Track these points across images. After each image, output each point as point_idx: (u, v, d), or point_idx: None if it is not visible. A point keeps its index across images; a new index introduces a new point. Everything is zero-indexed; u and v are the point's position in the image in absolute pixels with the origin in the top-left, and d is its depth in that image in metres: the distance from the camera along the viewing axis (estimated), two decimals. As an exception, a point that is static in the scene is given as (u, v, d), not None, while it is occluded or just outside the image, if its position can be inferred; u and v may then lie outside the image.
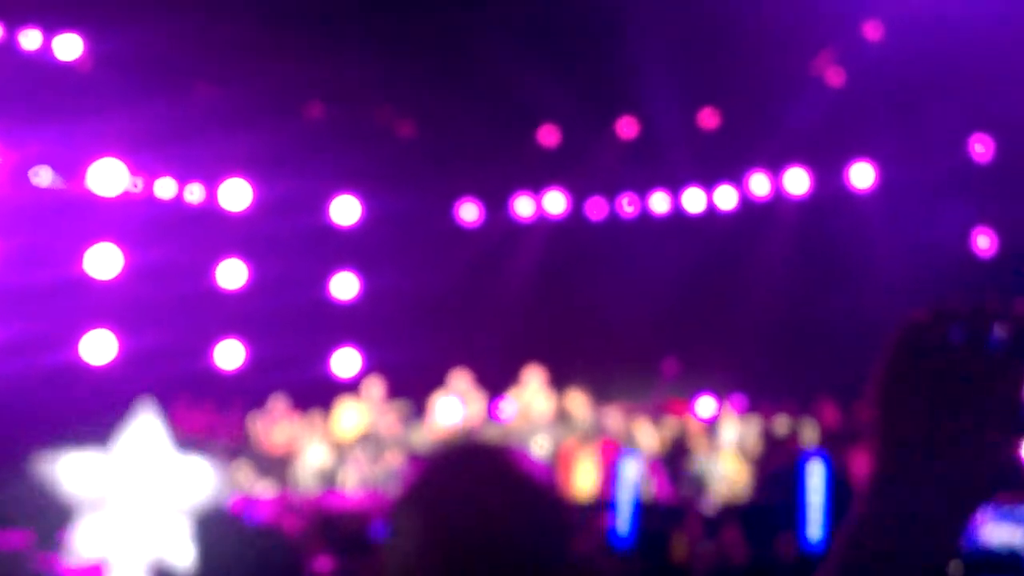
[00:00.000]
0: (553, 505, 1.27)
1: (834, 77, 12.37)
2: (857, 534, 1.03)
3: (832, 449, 10.10)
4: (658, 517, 9.60)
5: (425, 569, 1.22)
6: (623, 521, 8.04)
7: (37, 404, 10.17)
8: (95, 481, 2.85)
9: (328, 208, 13.28)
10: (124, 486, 2.83)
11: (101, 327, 11.53)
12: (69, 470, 2.83)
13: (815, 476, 8.36)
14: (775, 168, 12.94)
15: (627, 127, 13.39)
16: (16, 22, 10.64)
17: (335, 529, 8.83)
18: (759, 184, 13.04)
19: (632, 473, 7.03)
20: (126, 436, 2.88)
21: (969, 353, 1.01)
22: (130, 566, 2.81)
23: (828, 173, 12.71)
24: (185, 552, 2.84)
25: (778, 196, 13.01)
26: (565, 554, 1.25)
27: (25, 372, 10.51)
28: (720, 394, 11.97)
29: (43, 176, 11.11)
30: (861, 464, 9.06)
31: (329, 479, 10.74)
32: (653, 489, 10.44)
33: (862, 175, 12.54)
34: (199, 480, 2.86)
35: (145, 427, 2.90)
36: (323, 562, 7.39)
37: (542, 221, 13.91)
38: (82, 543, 2.91)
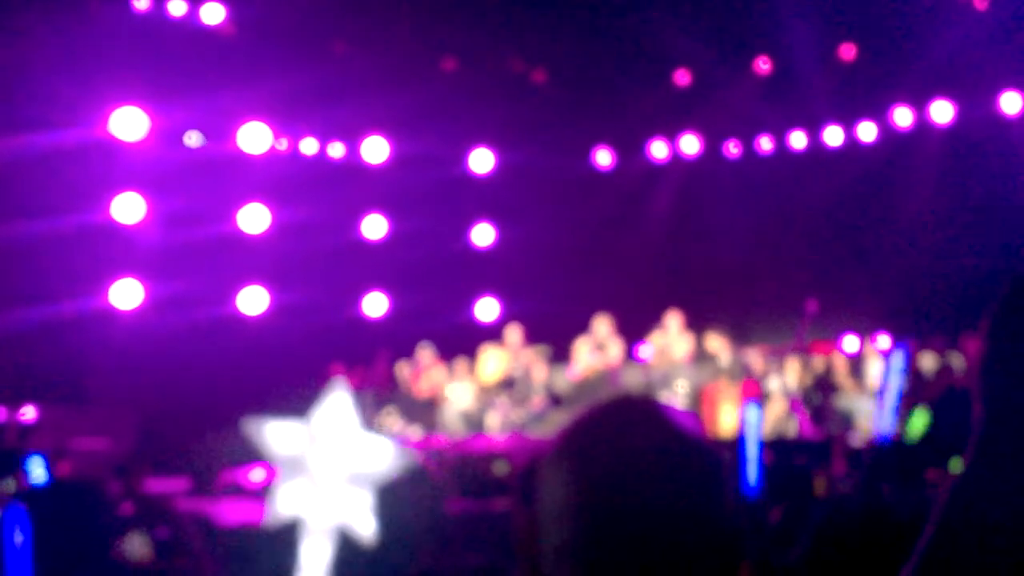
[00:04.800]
0: (705, 457, 1.23)
1: (980, 1, 11.92)
2: (956, 495, 1.01)
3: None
4: (800, 455, 9.55)
5: (575, 521, 1.20)
6: (751, 469, 8.02)
7: (196, 355, 10.74)
8: (295, 446, 3.16)
9: (465, 160, 13.49)
10: (320, 454, 3.13)
11: (254, 282, 12.05)
12: (273, 435, 3.16)
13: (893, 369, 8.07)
14: (918, 99, 12.56)
15: (762, 65, 13.17)
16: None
17: (477, 471, 9.07)
18: (902, 116, 12.68)
19: (756, 421, 6.99)
20: (322, 409, 3.18)
21: None
22: (321, 527, 3.11)
23: (974, 102, 12.28)
24: (368, 522, 3.13)
25: (922, 127, 12.64)
26: (719, 507, 1.22)
27: (184, 324, 11.07)
28: (863, 332, 11.78)
29: (194, 139, 11.62)
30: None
31: (475, 423, 11.02)
32: (795, 427, 10.39)
33: (1011, 103, 12.09)
34: (382, 456, 3.13)
35: (338, 402, 3.20)
36: (461, 503, 7.56)
37: (677, 163, 13.84)
38: (282, 502, 3.23)
